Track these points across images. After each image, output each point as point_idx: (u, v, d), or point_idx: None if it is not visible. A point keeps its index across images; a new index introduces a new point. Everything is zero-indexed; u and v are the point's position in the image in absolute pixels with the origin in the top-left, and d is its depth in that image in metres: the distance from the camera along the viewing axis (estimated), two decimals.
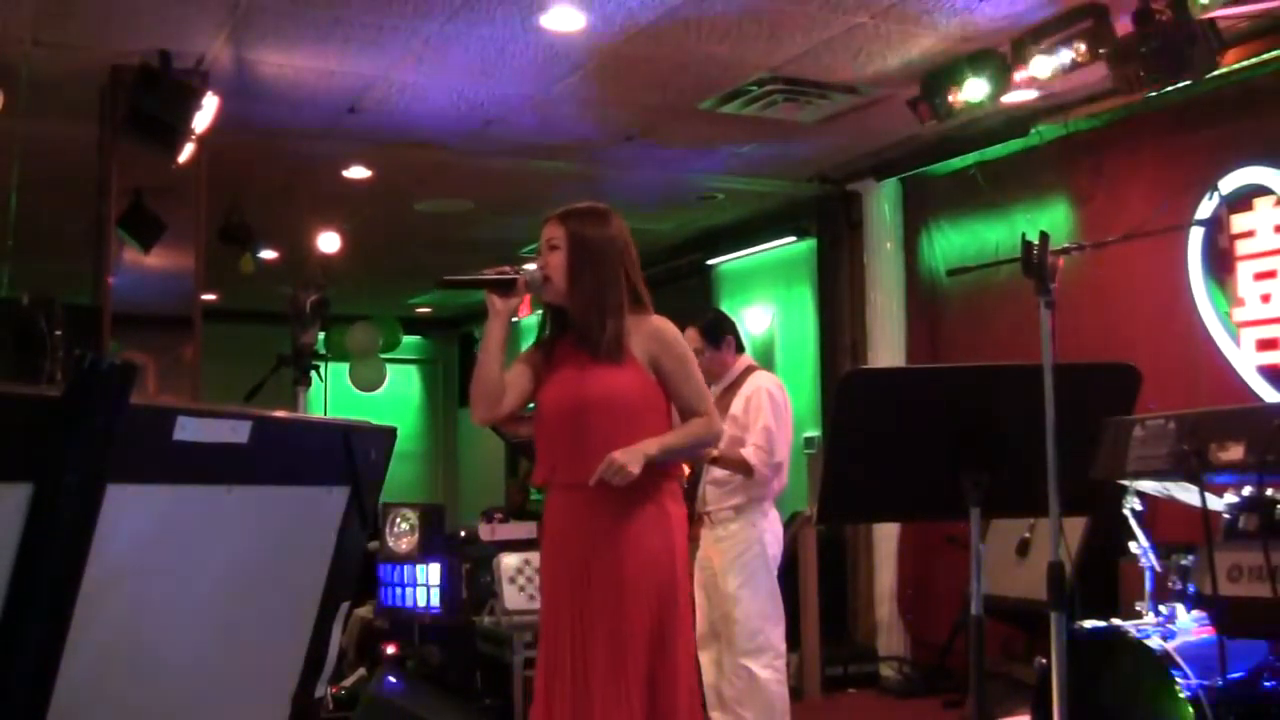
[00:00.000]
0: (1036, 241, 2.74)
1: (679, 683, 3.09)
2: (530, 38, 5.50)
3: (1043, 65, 5.29)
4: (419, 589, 6.04)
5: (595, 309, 3.19)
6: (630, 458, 3.04)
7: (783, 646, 4.71)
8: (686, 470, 4.24)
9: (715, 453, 4.44)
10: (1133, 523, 4.27)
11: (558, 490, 3.23)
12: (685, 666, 3.15)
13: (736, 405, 4.70)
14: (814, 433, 8.37)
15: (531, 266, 3.30)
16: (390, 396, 13.86)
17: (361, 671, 6.02)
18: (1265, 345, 5.60)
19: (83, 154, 6.20)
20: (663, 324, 3.25)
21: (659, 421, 3.20)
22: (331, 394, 8.69)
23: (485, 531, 6.68)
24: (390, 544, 6.15)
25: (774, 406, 4.67)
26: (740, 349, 4.95)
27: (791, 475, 4.96)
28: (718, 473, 4.67)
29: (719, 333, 4.85)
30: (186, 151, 5.76)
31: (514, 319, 3.25)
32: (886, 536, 7.63)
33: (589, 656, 3.06)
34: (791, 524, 6.75)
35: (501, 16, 5.27)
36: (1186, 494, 3.73)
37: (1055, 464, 2.59)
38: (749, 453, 4.57)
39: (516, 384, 3.27)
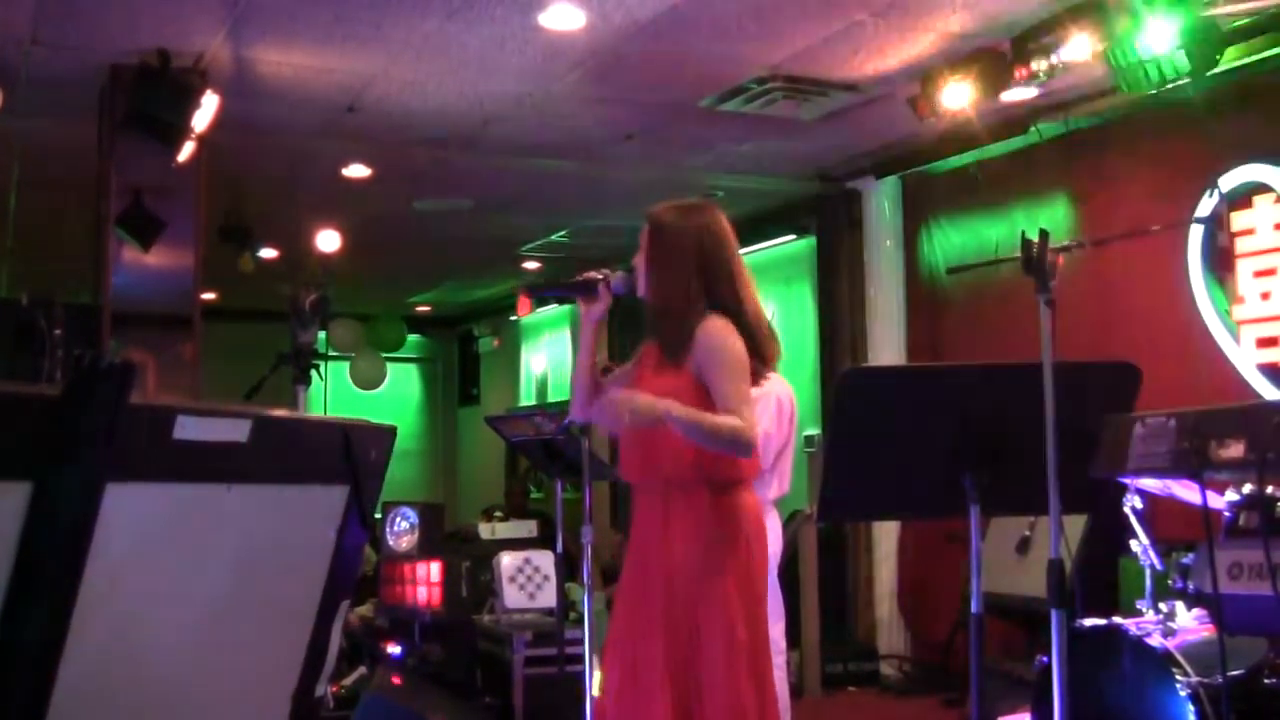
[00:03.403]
0: (1036, 239, 2.74)
1: (716, 698, 3.00)
2: (529, 36, 5.50)
3: (1043, 62, 5.29)
4: (419, 587, 6.04)
5: (662, 310, 3.18)
6: (642, 401, 3.00)
7: (783, 644, 4.71)
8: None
9: None
10: (1133, 520, 4.26)
11: (632, 488, 3.30)
12: (725, 679, 3.01)
13: None
14: (814, 431, 8.37)
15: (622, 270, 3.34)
16: (390, 395, 13.88)
17: (362, 670, 6.02)
18: (1265, 343, 5.60)
19: (82, 153, 6.19)
20: (708, 326, 3.12)
21: None
22: (331, 393, 8.70)
23: (485, 530, 6.68)
24: (390, 542, 6.15)
25: (778, 412, 4.66)
26: None
27: (792, 474, 4.95)
28: None
29: None
30: (186, 150, 5.76)
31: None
32: (887, 535, 7.63)
33: (639, 648, 3.10)
34: (792, 522, 6.76)
35: (501, 15, 5.26)
36: (1187, 492, 3.73)
37: (1055, 462, 2.59)
38: None
39: (618, 381, 3.33)
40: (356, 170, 7.71)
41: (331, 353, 12.53)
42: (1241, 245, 5.72)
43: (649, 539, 3.16)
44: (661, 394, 3.07)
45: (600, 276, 3.32)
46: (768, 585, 3.25)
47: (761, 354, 3.20)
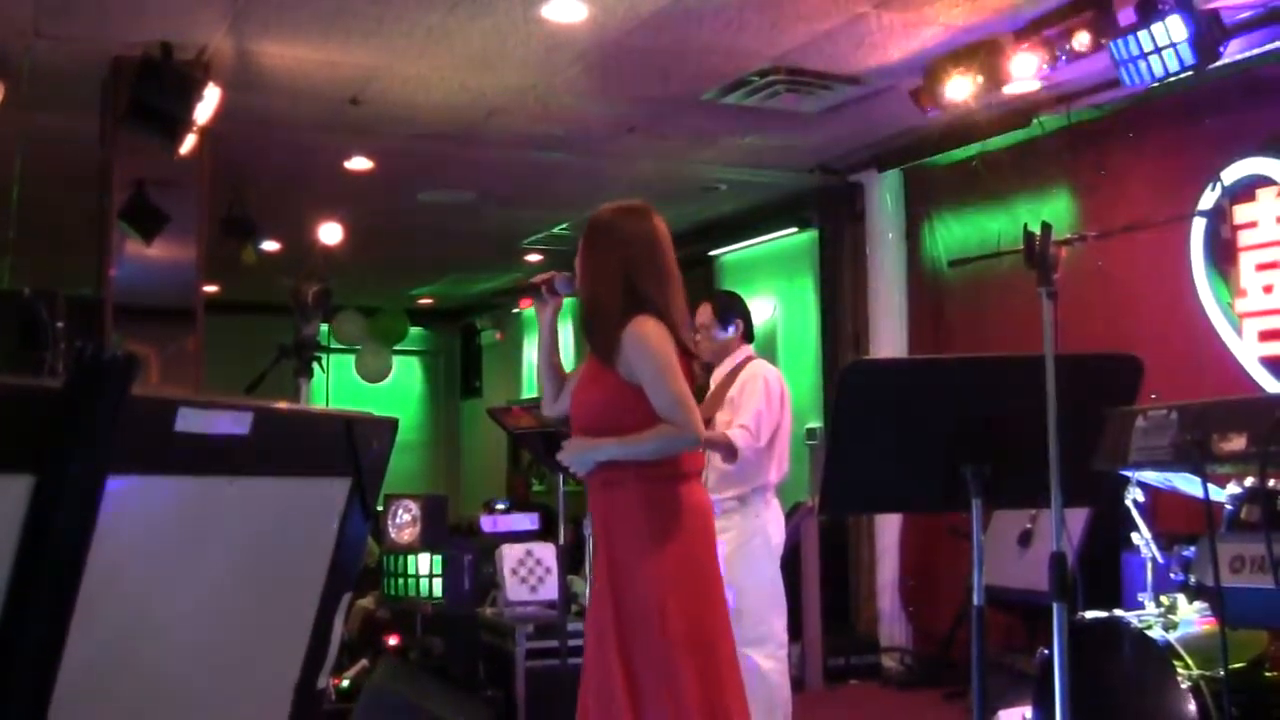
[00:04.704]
0: (1039, 232, 2.74)
1: (658, 684, 3.01)
2: (532, 29, 5.50)
3: (1045, 55, 5.29)
4: (421, 580, 6.04)
5: (589, 310, 3.26)
6: (575, 451, 3.18)
7: (785, 636, 4.71)
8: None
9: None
10: (1135, 513, 4.27)
11: None
12: (665, 682, 3.01)
13: (733, 390, 4.70)
14: (816, 424, 8.37)
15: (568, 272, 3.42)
16: (392, 387, 13.88)
17: (364, 663, 6.03)
18: (1267, 336, 5.59)
19: (84, 146, 6.20)
20: (633, 329, 3.12)
21: (635, 425, 3.12)
22: (333, 385, 8.70)
23: (487, 523, 6.67)
24: (392, 535, 6.15)
25: (767, 392, 4.65)
26: (749, 338, 4.94)
27: (793, 466, 4.96)
28: (720, 462, 4.65)
29: (728, 315, 4.85)
30: (188, 143, 5.76)
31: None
32: (888, 528, 7.63)
33: (593, 632, 3.15)
34: (793, 515, 6.76)
35: (503, 7, 5.26)
36: (1188, 485, 3.74)
37: (1057, 455, 2.59)
38: (735, 434, 4.51)
39: (572, 381, 3.41)
40: (359, 163, 7.71)
41: (334, 345, 12.55)
42: (1244, 238, 5.72)
43: (596, 533, 3.23)
44: (598, 398, 3.20)
45: (541, 281, 3.44)
46: (718, 579, 3.21)
47: (690, 353, 3.27)
